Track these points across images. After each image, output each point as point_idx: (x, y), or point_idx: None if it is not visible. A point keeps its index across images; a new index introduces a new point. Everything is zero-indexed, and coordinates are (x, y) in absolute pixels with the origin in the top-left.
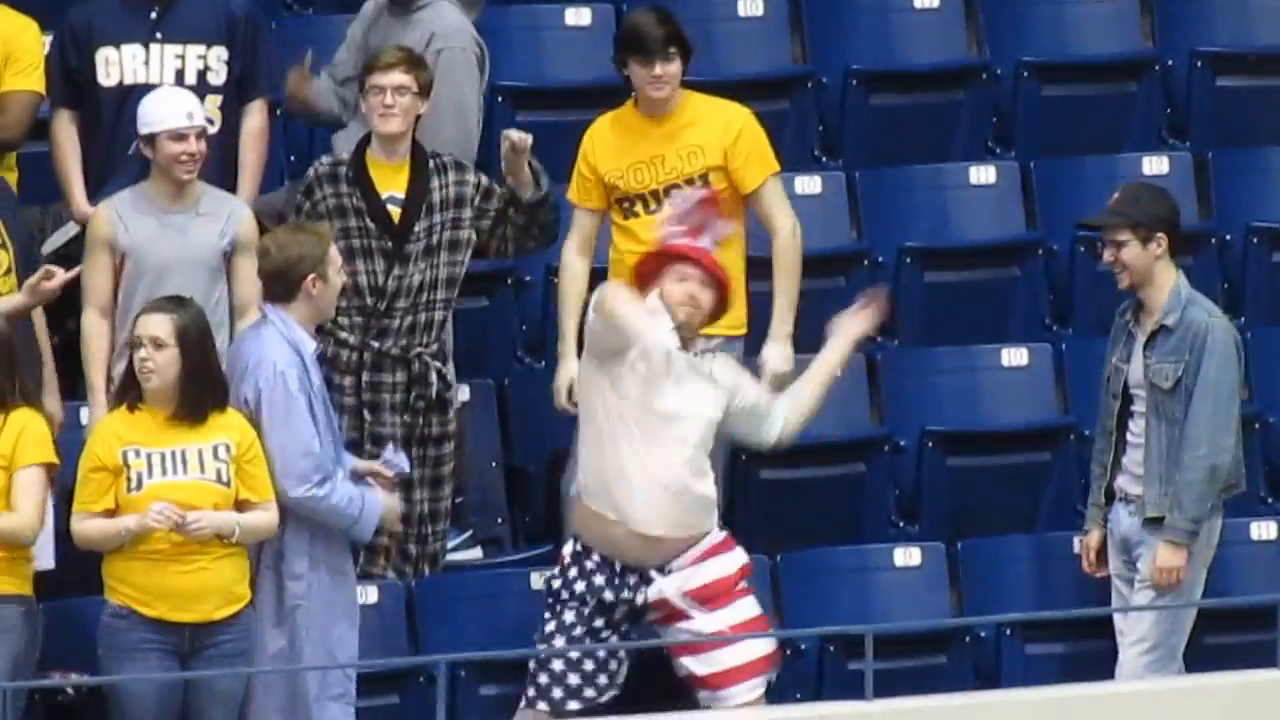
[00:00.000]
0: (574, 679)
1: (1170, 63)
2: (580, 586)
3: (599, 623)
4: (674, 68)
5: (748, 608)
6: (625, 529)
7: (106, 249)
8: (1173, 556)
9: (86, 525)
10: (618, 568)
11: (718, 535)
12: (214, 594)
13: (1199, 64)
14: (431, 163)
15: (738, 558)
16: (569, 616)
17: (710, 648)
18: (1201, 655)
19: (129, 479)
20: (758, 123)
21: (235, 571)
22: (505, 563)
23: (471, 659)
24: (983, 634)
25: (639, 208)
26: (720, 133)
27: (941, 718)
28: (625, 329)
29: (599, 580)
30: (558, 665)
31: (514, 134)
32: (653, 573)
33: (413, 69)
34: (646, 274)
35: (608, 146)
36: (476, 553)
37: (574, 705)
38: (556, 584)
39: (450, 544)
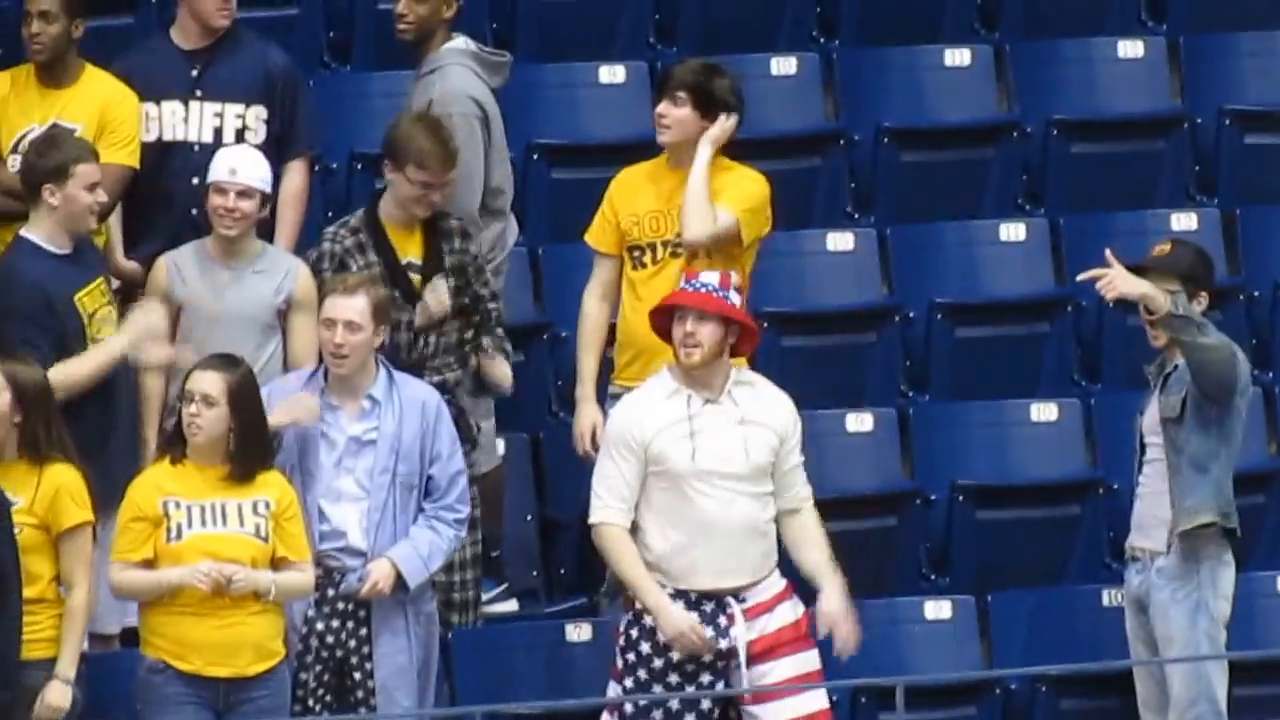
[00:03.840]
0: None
1: (1199, 120)
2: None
3: (673, 677)
4: (678, 112)
5: (811, 659)
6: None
7: (162, 302)
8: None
9: (127, 576)
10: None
11: (780, 582)
12: (249, 649)
13: (1227, 121)
14: (442, 224)
15: (799, 607)
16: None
17: (775, 697)
18: (1233, 707)
19: (169, 529)
20: (757, 196)
21: (270, 628)
22: (540, 615)
23: (508, 710)
24: (1013, 686)
25: (646, 257)
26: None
27: None
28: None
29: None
30: None
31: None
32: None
33: (447, 167)
34: (661, 333)
35: (631, 192)
36: (512, 605)
37: None
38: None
39: (486, 596)
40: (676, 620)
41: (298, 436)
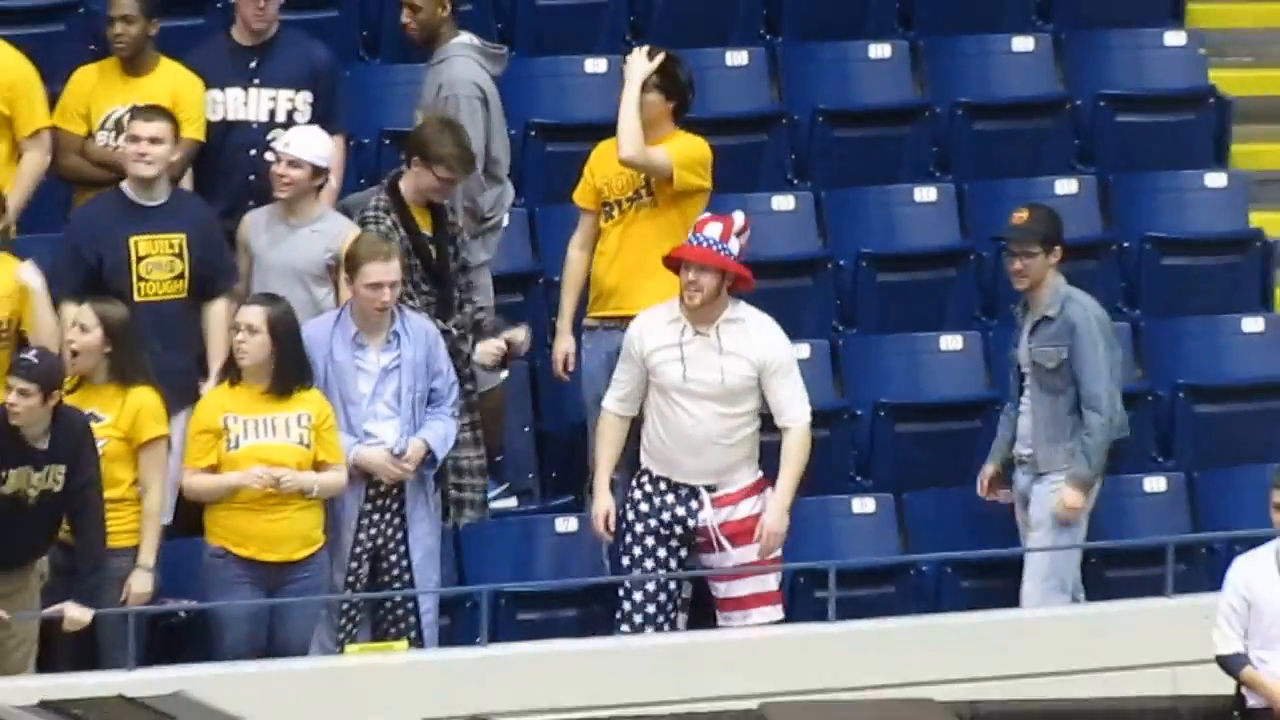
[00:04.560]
0: (651, 608)
1: (1078, 103)
2: (645, 507)
3: (662, 552)
4: (650, 96)
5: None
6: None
7: (244, 251)
8: (1077, 498)
9: (195, 480)
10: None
11: (751, 479)
12: (295, 538)
13: (1102, 104)
14: (445, 202)
15: (760, 502)
16: (637, 550)
17: (734, 577)
18: (1104, 587)
19: (228, 440)
20: (694, 150)
21: (313, 520)
22: (535, 510)
23: (509, 589)
24: (925, 569)
25: (615, 212)
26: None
27: (890, 638)
28: None
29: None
30: (638, 596)
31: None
32: (704, 499)
33: (467, 169)
34: (674, 273)
35: (607, 159)
36: (512, 502)
37: (651, 629)
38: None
39: (490, 495)
40: (596, 506)
41: (337, 372)
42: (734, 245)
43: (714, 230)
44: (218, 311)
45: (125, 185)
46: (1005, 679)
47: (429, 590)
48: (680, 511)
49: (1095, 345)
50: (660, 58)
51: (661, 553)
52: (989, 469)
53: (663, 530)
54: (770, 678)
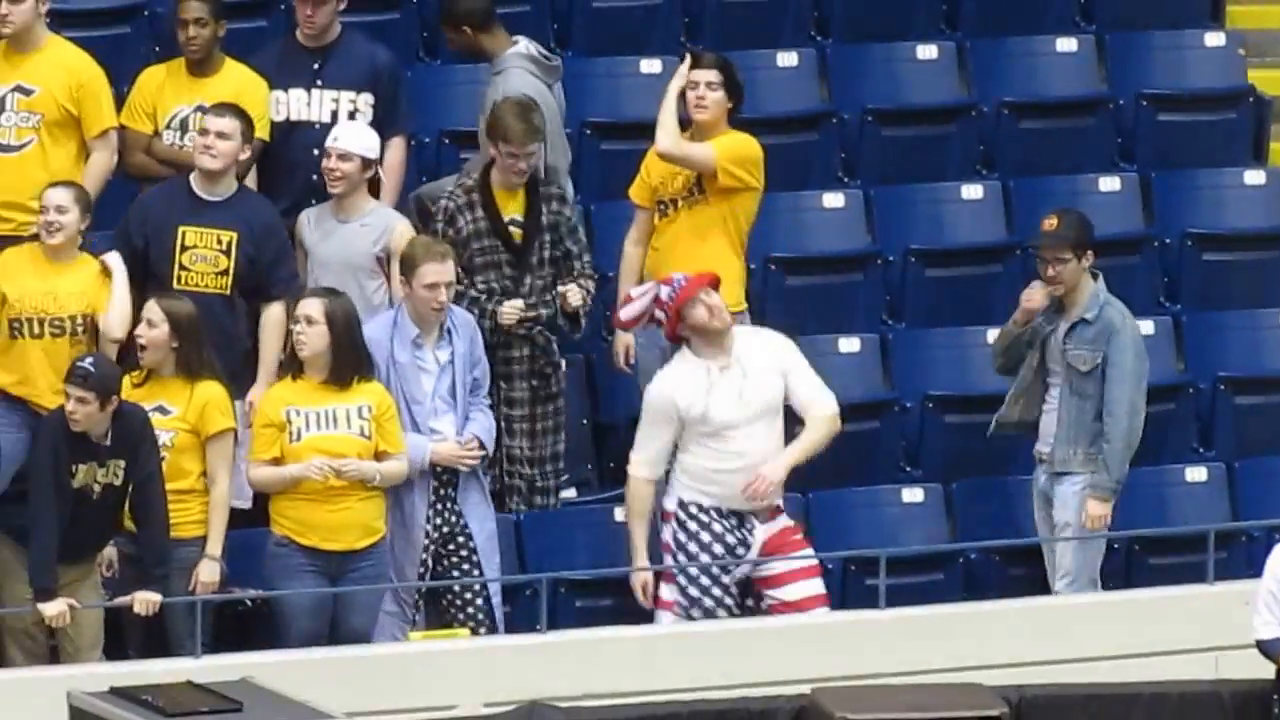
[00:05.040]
0: (709, 601)
1: (1121, 102)
2: (706, 536)
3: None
4: (714, 95)
5: (809, 555)
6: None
7: (300, 248)
8: (1101, 508)
9: (259, 472)
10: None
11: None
12: (356, 527)
13: (1143, 103)
14: (542, 189)
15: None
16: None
17: (785, 580)
18: (1147, 574)
19: (290, 433)
20: (743, 147)
21: (374, 509)
22: (593, 500)
23: (569, 577)
24: (973, 556)
25: (669, 210)
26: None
27: (939, 625)
28: None
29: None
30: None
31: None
32: (753, 524)
33: (538, 139)
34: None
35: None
36: (571, 492)
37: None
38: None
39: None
40: (638, 577)
41: (400, 373)
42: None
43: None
44: (272, 314)
45: (192, 177)
46: (1051, 664)
47: (490, 579)
48: (734, 538)
49: (1127, 352)
50: (688, 62)
51: (724, 581)
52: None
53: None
54: (821, 664)
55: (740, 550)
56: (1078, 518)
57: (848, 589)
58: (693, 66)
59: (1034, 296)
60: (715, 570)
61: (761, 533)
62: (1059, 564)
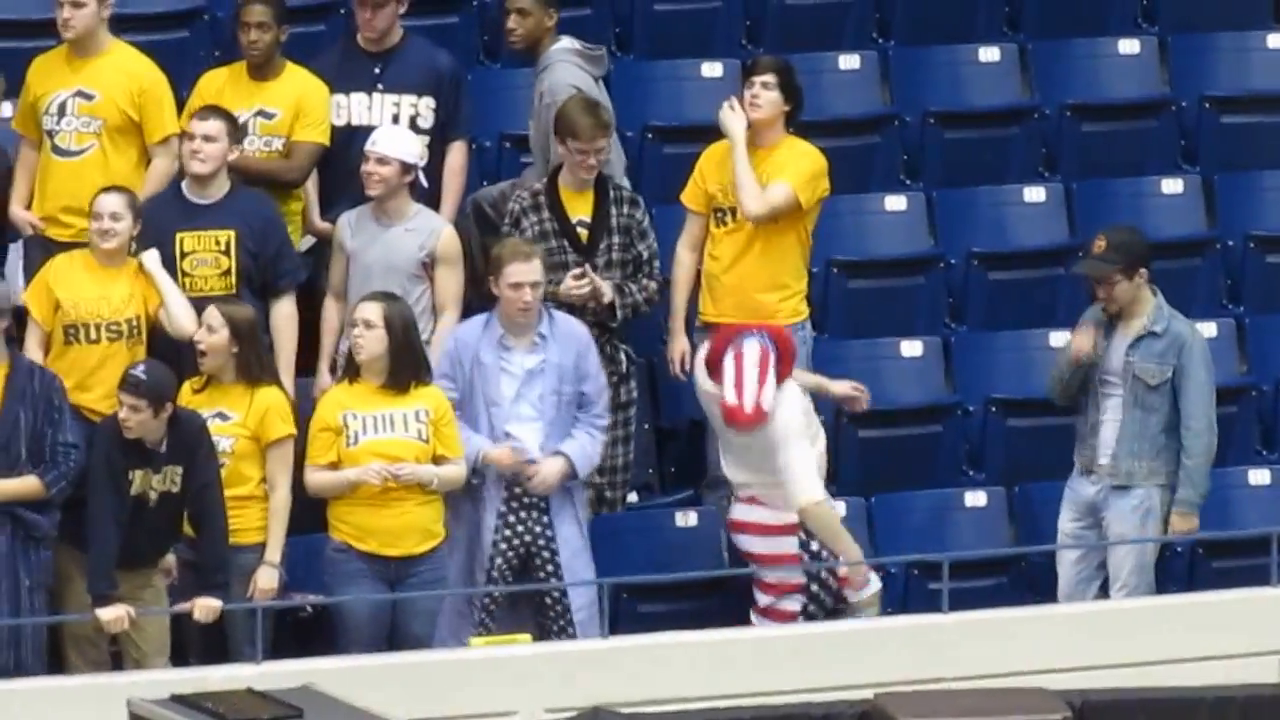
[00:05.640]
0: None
1: (1183, 104)
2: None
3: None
4: (769, 94)
5: None
6: None
7: (340, 251)
8: (1186, 523)
9: (316, 477)
10: None
11: None
12: (415, 532)
13: (1206, 105)
14: (613, 192)
15: None
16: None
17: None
18: (1210, 578)
19: (347, 437)
20: (811, 164)
21: (433, 514)
22: (655, 505)
23: (629, 582)
24: (1035, 560)
25: (727, 218)
26: (792, 165)
27: (1002, 629)
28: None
29: None
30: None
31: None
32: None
33: (607, 132)
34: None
35: (720, 164)
36: (633, 497)
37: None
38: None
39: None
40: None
41: (482, 373)
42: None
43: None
44: (283, 309)
45: (184, 183)
46: (1115, 668)
47: (539, 586)
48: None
49: (1199, 365)
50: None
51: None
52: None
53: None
54: (884, 668)
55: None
56: (1137, 532)
57: (910, 593)
58: (749, 72)
59: (1083, 344)
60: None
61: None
62: (1115, 575)
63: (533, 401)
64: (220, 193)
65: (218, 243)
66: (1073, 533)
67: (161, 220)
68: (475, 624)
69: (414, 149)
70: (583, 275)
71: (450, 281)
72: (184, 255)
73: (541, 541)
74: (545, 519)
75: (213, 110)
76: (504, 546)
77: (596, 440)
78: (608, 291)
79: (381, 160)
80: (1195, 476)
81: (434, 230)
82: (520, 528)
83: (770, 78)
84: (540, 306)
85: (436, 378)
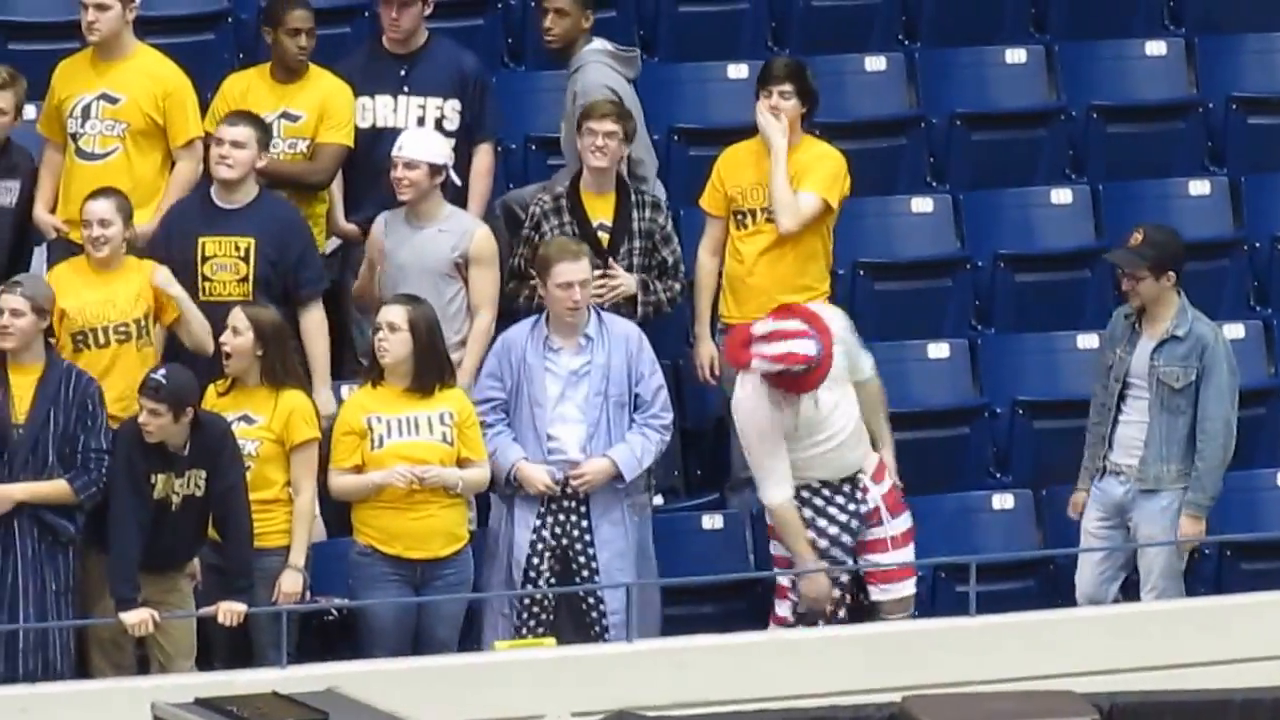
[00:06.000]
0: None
1: (1210, 105)
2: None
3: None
4: (788, 104)
5: (907, 518)
6: None
7: (375, 253)
8: (1195, 526)
9: (340, 480)
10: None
11: (876, 457)
12: (440, 535)
13: (1233, 106)
14: (634, 196)
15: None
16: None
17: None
18: (1239, 580)
19: (372, 440)
20: (833, 167)
21: (458, 516)
22: (681, 507)
23: (654, 584)
24: (1062, 562)
25: (748, 220)
26: (815, 171)
27: (1030, 631)
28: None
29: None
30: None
31: None
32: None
33: (620, 119)
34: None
35: (738, 167)
36: (658, 499)
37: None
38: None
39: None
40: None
41: (527, 374)
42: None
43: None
44: (313, 318)
45: (212, 187)
46: (1142, 670)
47: (564, 588)
48: (854, 505)
49: (1222, 368)
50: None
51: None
52: (1081, 496)
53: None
54: (912, 671)
55: (864, 511)
56: (1167, 534)
57: (938, 595)
58: (764, 80)
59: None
60: (839, 545)
61: (876, 493)
62: (1145, 578)
63: (578, 403)
64: (246, 199)
65: (238, 249)
66: (1097, 532)
67: (185, 223)
68: (518, 627)
69: (441, 150)
70: (602, 276)
71: (485, 282)
72: (205, 260)
73: (580, 544)
74: (585, 522)
75: (242, 116)
76: (541, 547)
77: (651, 440)
78: (631, 283)
79: (410, 165)
80: (1206, 480)
81: (467, 231)
82: (558, 529)
83: (788, 87)
84: (589, 307)
85: (484, 377)
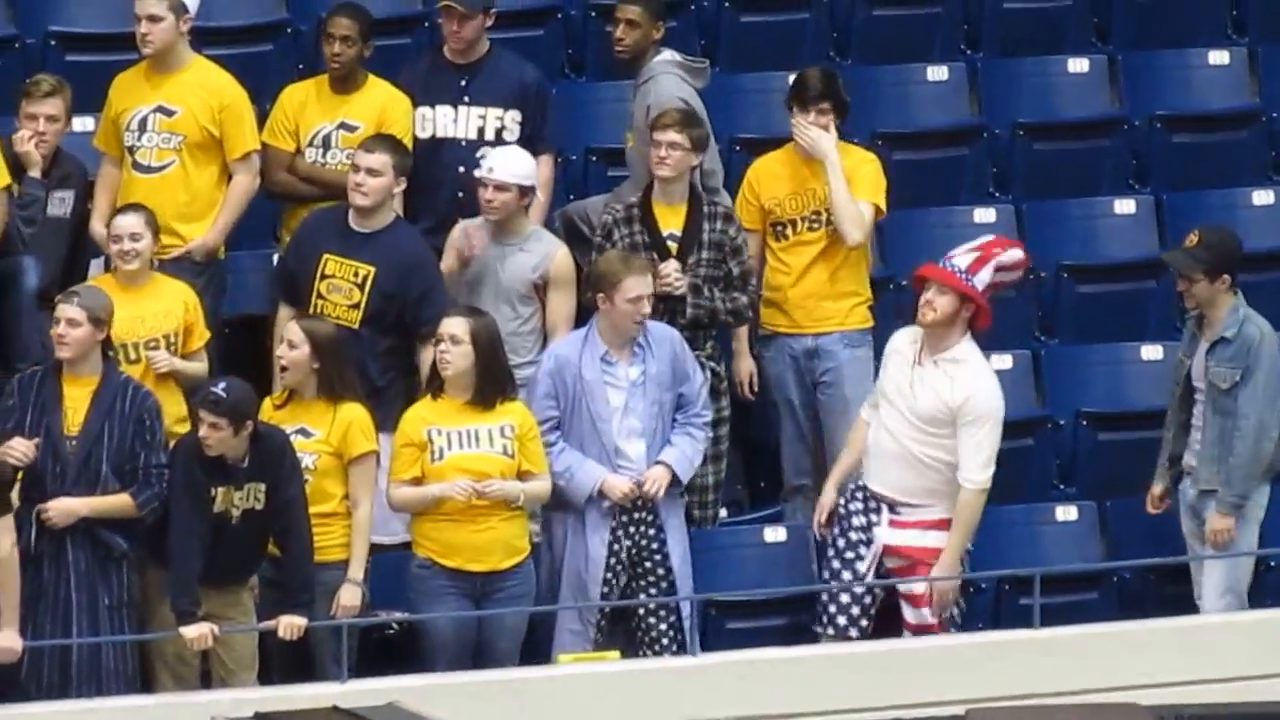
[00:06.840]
0: (855, 609)
1: (1275, 114)
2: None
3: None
4: (824, 120)
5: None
6: None
7: (453, 254)
8: (1222, 522)
9: (400, 492)
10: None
11: (942, 515)
12: (500, 548)
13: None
14: (706, 208)
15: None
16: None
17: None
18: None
19: (432, 452)
20: (875, 173)
21: (518, 529)
22: (744, 520)
23: (717, 598)
24: (1127, 575)
25: (788, 230)
26: (861, 180)
27: (1094, 644)
28: None
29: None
30: (844, 598)
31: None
32: (884, 516)
33: (685, 129)
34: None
35: (772, 179)
36: (723, 513)
37: (853, 632)
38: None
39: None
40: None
41: (587, 390)
42: (983, 276)
43: (963, 260)
44: (428, 354)
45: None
46: (1206, 683)
47: (636, 601)
48: (866, 521)
49: (1262, 369)
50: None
51: (863, 561)
52: (1156, 489)
53: (855, 537)
54: (975, 683)
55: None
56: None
57: (1001, 608)
58: (802, 100)
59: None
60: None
61: (888, 531)
62: (1207, 577)
63: (639, 414)
64: (379, 225)
65: (356, 274)
66: (1192, 535)
67: (317, 234)
68: (590, 638)
69: (531, 170)
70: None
71: (562, 304)
72: (323, 277)
73: (649, 551)
74: (654, 531)
75: (379, 141)
76: (613, 561)
77: (697, 440)
78: (682, 283)
79: (501, 187)
80: (1234, 477)
81: (549, 253)
82: (627, 541)
83: (826, 104)
84: None
85: (540, 398)
